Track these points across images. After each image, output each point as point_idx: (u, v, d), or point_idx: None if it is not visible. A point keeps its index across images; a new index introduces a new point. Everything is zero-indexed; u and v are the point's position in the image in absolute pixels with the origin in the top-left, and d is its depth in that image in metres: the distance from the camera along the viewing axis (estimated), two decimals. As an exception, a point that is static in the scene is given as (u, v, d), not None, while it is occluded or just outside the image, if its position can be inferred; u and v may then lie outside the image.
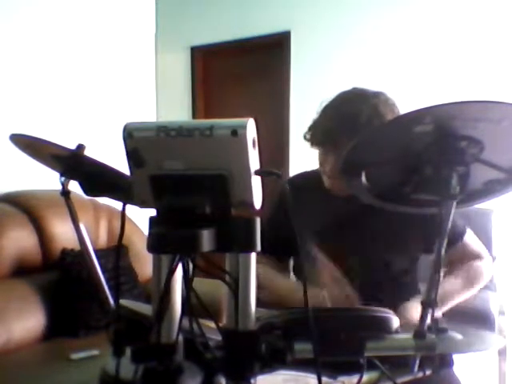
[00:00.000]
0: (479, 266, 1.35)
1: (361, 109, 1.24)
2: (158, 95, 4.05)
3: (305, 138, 1.34)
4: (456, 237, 1.33)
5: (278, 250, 1.40)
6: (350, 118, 1.24)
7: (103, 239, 2.64)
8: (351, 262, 1.29)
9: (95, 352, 1.93)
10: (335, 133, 1.26)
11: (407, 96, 2.89)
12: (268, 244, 1.40)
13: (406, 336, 0.83)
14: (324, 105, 1.32)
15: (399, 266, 1.32)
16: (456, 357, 1.28)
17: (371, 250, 1.29)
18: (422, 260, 1.35)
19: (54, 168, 1.23)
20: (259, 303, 0.72)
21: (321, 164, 1.33)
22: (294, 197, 0.74)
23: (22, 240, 2.26)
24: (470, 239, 1.37)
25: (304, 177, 1.48)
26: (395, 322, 0.84)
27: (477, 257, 1.37)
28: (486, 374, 2.48)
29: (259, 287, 0.71)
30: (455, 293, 1.27)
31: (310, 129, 1.33)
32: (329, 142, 1.28)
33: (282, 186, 0.71)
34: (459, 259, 1.34)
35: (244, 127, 0.63)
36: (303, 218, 0.79)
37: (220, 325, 0.72)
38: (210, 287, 1.01)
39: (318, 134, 1.30)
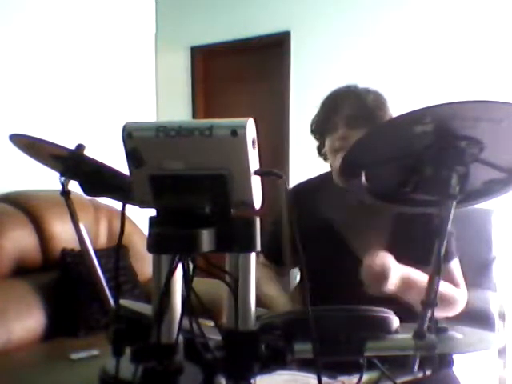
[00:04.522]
0: (457, 294, 1.30)
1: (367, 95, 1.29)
2: (158, 95, 4.04)
3: (312, 130, 1.35)
4: (445, 257, 1.30)
5: (278, 257, 1.41)
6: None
7: (103, 239, 2.64)
8: (354, 262, 1.28)
9: (95, 352, 1.93)
10: (366, 108, 1.26)
11: (407, 96, 2.90)
12: (268, 250, 1.41)
13: (406, 336, 0.82)
14: (323, 101, 1.34)
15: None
16: (456, 357, 1.28)
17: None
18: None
19: (53, 168, 1.23)
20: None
21: (336, 149, 1.29)
22: (296, 204, 0.75)
23: (22, 240, 2.26)
24: (456, 267, 1.34)
25: (306, 183, 1.49)
26: (395, 322, 0.84)
27: (455, 285, 1.32)
28: (485, 374, 2.48)
29: None
30: None
31: (317, 122, 1.34)
32: (357, 121, 1.26)
33: (283, 188, 0.71)
34: None
35: (244, 127, 0.63)
36: (305, 223, 0.79)
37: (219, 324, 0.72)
38: (210, 287, 1.01)
39: (338, 120, 1.28)
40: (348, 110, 1.26)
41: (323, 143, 1.36)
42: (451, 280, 1.32)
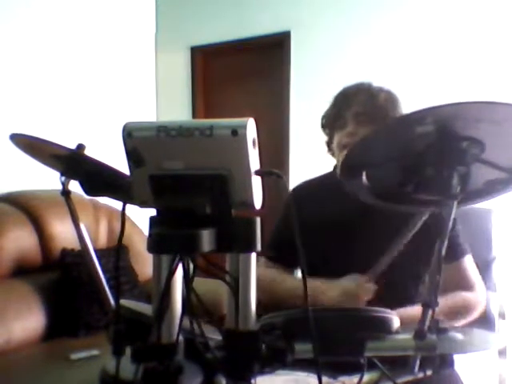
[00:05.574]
0: (470, 300, 1.27)
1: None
2: (158, 95, 4.04)
3: (323, 125, 1.35)
4: (456, 254, 1.29)
5: (284, 258, 1.40)
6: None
7: (103, 239, 2.64)
8: (353, 263, 1.28)
9: (95, 352, 1.93)
10: (377, 106, 1.27)
11: (408, 96, 2.89)
12: (274, 251, 1.40)
13: (407, 336, 0.82)
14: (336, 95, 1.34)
15: (401, 269, 1.31)
16: (456, 357, 1.28)
17: (373, 252, 1.29)
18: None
19: (54, 168, 1.23)
20: (259, 306, 0.72)
21: (344, 145, 1.29)
22: (297, 205, 0.75)
23: (22, 240, 2.25)
24: (470, 264, 1.32)
25: (306, 184, 1.48)
26: (395, 322, 0.84)
27: (470, 287, 1.30)
28: (485, 374, 2.48)
29: (259, 290, 0.71)
30: None
31: (327, 117, 1.34)
32: (369, 116, 1.26)
33: (283, 187, 0.70)
34: (453, 286, 1.25)
35: (244, 127, 0.63)
36: (306, 223, 0.79)
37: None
38: (210, 287, 1.01)
39: (348, 116, 1.28)
40: (358, 107, 1.25)
41: (332, 139, 1.36)
42: (465, 280, 1.30)
